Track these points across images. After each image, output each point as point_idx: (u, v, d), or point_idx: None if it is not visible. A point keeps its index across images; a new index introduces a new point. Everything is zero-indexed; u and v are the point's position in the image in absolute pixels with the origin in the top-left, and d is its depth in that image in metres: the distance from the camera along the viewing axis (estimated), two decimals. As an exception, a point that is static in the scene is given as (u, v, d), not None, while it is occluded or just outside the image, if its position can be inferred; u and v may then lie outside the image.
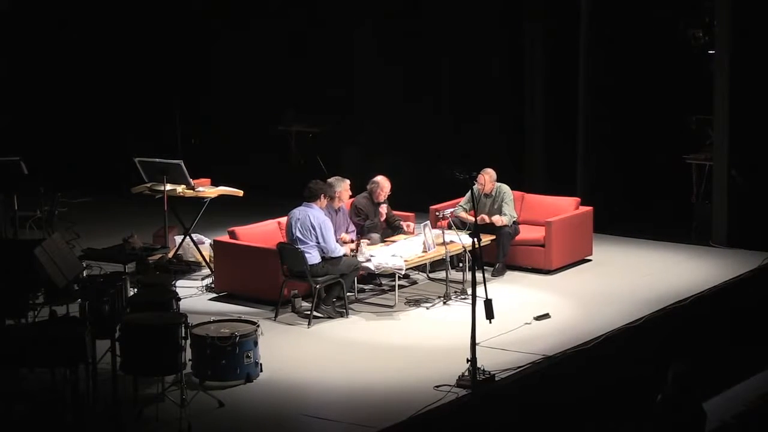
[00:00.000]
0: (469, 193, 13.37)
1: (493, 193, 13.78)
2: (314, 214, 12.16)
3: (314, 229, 12.07)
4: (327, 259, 12.12)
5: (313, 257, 12.06)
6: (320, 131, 18.79)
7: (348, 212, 13.31)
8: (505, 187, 13.85)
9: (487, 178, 13.72)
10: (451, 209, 13.48)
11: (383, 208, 13.42)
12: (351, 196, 13.29)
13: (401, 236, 13.37)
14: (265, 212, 14.06)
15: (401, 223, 13.59)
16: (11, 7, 18.44)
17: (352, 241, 12.83)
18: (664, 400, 8.53)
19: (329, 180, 12.98)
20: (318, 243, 12.08)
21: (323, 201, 12.36)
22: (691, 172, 15.94)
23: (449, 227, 12.90)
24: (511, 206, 13.73)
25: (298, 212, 12.24)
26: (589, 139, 15.99)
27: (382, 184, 13.40)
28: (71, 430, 9.24)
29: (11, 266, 10.37)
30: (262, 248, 12.56)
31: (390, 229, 13.57)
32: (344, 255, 12.26)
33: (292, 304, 12.35)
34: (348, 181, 13.06)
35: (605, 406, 10.65)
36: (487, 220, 13.47)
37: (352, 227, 13.20)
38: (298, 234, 12.10)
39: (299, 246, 12.05)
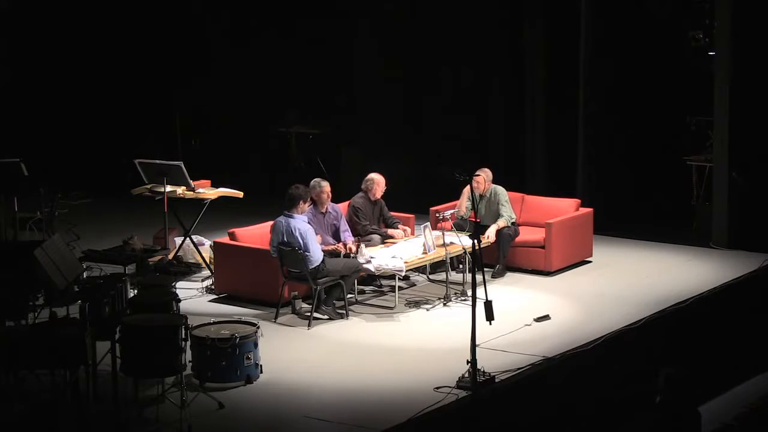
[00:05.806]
0: (463, 194, 13.45)
1: (488, 195, 13.73)
2: (295, 224, 11.98)
3: (298, 239, 11.95)
4: (324, 261, 12.08)
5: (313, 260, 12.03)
6: (320, 133, 18.79)
7: (346, 214, 13.27)
8: (500, 189, 13.78)
9: (484, 177, 13.67)
10: (452, 210, 13.42)
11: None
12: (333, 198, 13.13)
13: (400, 235, 13.32)
14: (265, 214, 14.03)
15: (399, 226, 13.53)
16: (11, 6, 18.42)
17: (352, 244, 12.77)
18: (661, 401, 8.56)
19: (312, 182, 12.82)
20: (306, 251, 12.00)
21: (303, 206, 12.16)
22: (692, 173, 15.94)
23: (453, 228, 12.85)
24: (509, 207, 13.68)
25: (281, 224, 12.09)
26: (590, 140, 15.98)
27: (377, 180, 13.36)
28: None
29: (11, 268, 10.36)
30: (263, 250, 12.53)
31: (386, 227, 13.50)
32: (323, 260, 12.08)
33: (292, 306, 12.35)
34: (327, 183, 12.91)
35: (605, 408, 10.65)
36: (491, 240, 13.39)
37: (348, 232, 13.05)
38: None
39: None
